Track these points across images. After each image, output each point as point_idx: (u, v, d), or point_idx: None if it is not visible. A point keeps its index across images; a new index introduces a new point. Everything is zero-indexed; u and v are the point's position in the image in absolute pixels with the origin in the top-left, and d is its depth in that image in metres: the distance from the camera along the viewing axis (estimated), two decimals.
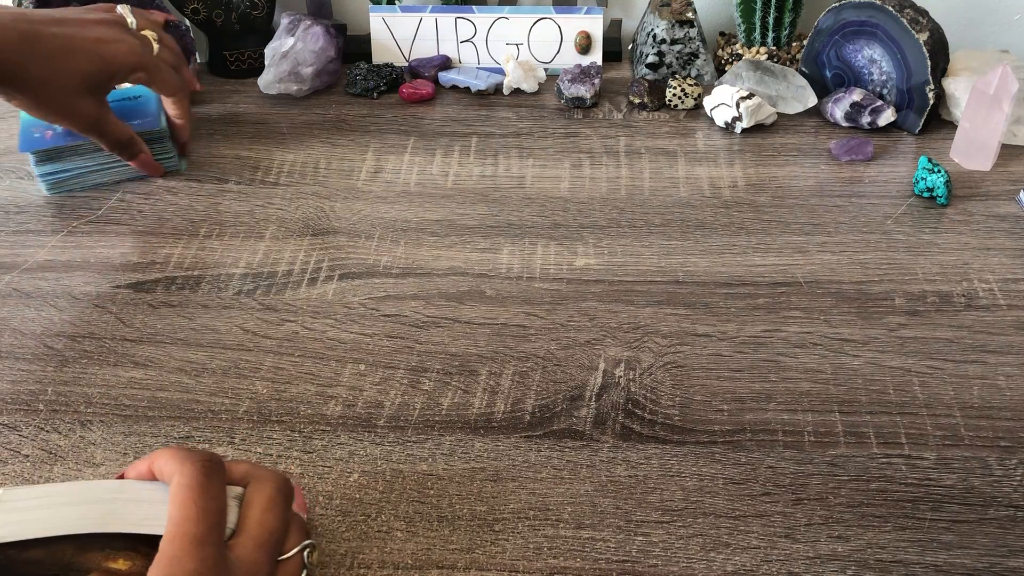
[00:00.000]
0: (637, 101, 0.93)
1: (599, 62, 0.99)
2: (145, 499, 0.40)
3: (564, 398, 0.60)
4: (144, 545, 0.39)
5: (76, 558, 0.38)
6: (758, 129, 0.89)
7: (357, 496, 0.53)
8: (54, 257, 0.74)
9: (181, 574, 0.36)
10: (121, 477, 0.42)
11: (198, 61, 1.02)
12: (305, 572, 0.42)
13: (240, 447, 0.57)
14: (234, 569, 0.38)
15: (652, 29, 0.95)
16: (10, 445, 0.57)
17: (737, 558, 0.49)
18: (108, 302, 0.69)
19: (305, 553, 0.42)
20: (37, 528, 0.37)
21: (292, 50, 0.95)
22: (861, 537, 0.50)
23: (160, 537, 0.38)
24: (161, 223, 0.78)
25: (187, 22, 1.00)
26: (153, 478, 0.41)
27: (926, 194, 0.77)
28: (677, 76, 0.96)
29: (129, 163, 0.79)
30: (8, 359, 0.64)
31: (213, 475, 0.39)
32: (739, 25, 0.98)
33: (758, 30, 0.97)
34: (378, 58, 1.02)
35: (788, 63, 0.97)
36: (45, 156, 0.80)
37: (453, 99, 0.97)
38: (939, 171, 0.76)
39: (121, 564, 0.39)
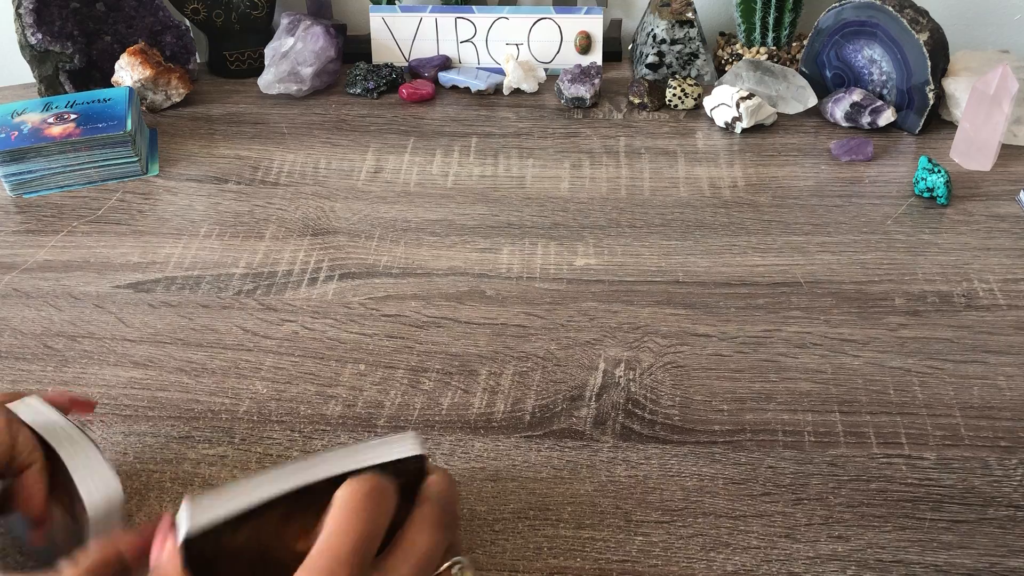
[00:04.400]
0: (637, 101, 0.93)
1: (599, 62, 0.99)
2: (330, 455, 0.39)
3: (564, 398, 0.60)
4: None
5: (280, 531, 0.37)
6: (758, 129, 0.89)
7: None
8: (54, 257, 0.74)
9: None
10: None
11: (198, 61, 1.02)
12: None
13: (240, 447, 0.57)
14: None
15: (652, 29, 0.95)
16: None
17: (737, 558, 0.49)
18: (108, 302, 0.69)
19: (455, 570, 0.39)
20: (240, 503, 0.36)
21: (292, 50, 0.95)
22: (861, 537, 0.50)
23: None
24: (161, 223, 0.78)
25: (187, 22, 1.00)
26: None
27: (926, 194, 0.77)
28: (677, 76, 0.96)
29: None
30: (8, 359, 0.64)
31: (378, 496, 0.37)
32: (739, 25, 0.98)
33: (758, 30, 0.97)
34: (378, 58, 1.02)
35: (788, 63, 0.97)
36: (9, 157, 0.80)
37: (453, 99, 0.97)
38: (939, 171, 0.76)
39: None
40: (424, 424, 0.58)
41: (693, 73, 0.97)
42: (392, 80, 0.97)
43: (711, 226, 0.75)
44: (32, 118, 0.84)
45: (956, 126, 0.85)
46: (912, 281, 0.69)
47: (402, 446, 0.39)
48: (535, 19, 0.98)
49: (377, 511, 0.37)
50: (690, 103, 0.93)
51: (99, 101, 0.86)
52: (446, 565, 0.39)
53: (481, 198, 0.80)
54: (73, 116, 0.84)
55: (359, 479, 0.37)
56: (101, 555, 0.40)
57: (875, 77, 0.88)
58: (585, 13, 0.98)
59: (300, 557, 0.36)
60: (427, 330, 0.66)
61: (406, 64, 1.02)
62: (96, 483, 0.46)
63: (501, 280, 0.70)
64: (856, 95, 0.87)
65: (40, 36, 0.91)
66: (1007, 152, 0.83)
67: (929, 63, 0.82)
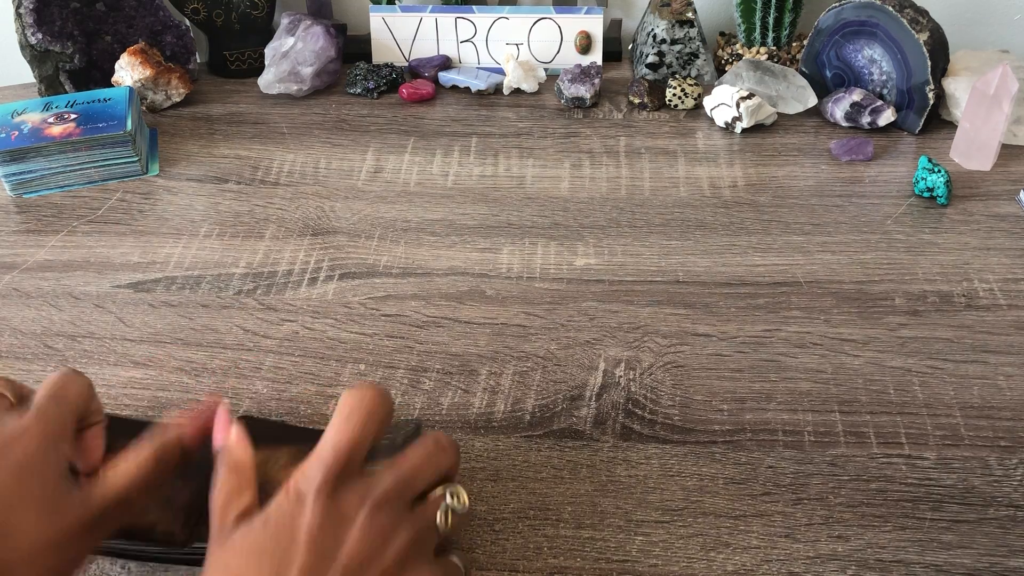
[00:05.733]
0: (637, 101, 0.93)
1: (599, 62, 0.99)
2: None
3: (564, 398, 0.60)
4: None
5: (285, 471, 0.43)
6: (758, 129, 0.89)
7: None
8: (54, 257, 0.74)
9: (318, 478, 0.38)
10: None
11: (198, 61, 1.02)
12: (447, 515, 0.41)
13: None
14: (358, 488, 0.39)
15: (652, 29, 0.95)
16: None
17: (737, 558, 0.49)
18: (108, 302, 0.69)
19: (447, 494, 0.42)
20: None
21: (292, 50, 0.95)
22: (861, 537, 0.50)
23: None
24: (161, 223, 0.78)
25: (187, 22, 1.00)
26: None
27: (926, 194, 0.77)
28: (677, 76, 0.96)
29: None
30: (8, 359, 0.64)
31: (371, 404, 0.40)
32: (739, 25, 0.98)
33: (758, 30, 0.97)
34: (378, 58, 1.02)
35: (788, 63, 0.97)
36: (9, 157, 0.80)
37: (453, 99, 0.97)
38: (939, 171, 0.76)
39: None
40: (424, 424, 0.58)
41: (693, 73, 0.97)
42: (392, 80, 0.97)
43: (711, 226, 0.75)
44: (32, 118, 0.84)
45: (956, 126, 0.85)
46: (912, 281, 0.69)
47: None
48: (535, 19, 0.98)
49: (368, 418, 0.40)
50: (690, 103, 0.93)
51: (99, 101, 0.86)
52: (439, 490, 0.42)
53: (481, 198, 0.80)
54: (73, 116, 0.84)
55: (357, 386, 0.41)
56: (164, 438, 0.44)
57: (875, 77, 0.88)
58: (585, 13, 0.98)
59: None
60: (427, 330, 0.66)
61: (406, 64, 1.02)
62: None
63: (501, 280, 0.70)
64: (856, 95, 0.87)
65: (40, 36, 0.91)
66: (1007, 152, 0.83)
67: (929, 63, 0.82)
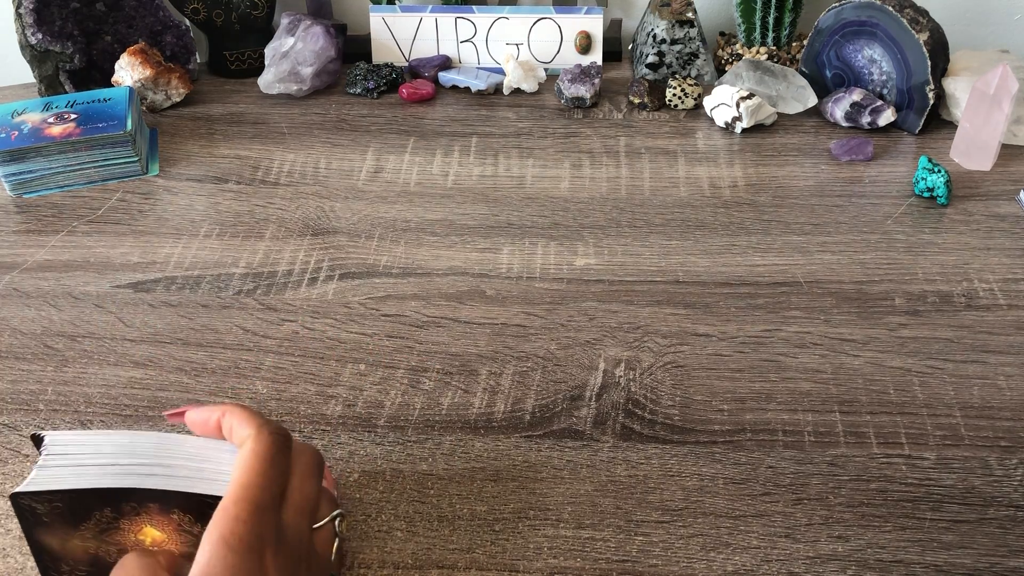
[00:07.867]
0: (637, 101, 0.93)
1: (599, 62, 0.99)
2: (202, 457, 0.43)
3: (564, 398, 0.60)
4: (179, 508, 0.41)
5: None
6: (758, 129, 0.89)
7: (357, 496, 0.53)
8: (54, 257, 0.74)
9: (245, 535, 0.37)
10: (180, 414, 0.45)
11: (198, 61, 1.02)
12: (337, 540, 0.44)
13: None
14: (286, 533, 0.40)
15: (652, 29, 0.95)
16: (10, 445, 0.57)
17: (737, 558, 0.49)
18: (108, 302, 0.69)
19: (336, 522, 0.44)
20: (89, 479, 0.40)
21: (292, 50, 0.95)
22: (861, 537, 0.50)
23: (205, 498, 0.40)
24: (161, 223, 0.78)
25: (187, 22, 1.00)
26: (218, 432, 0.43)
27: (926, 194, 0.77)
28: (677, 76, 0.96)
29: None
30: (8, 359, 0.64)
31: (285, 448, 0.41)
32: (739, 25, 0.98)
33: (758, 30, 0.97)
34: (378, 58, 1.02)
35: (788, 63, 0.97)
36: (9, 157, 0.80)
37: (453, 99, 0.97)
38: (939, 171, 0.76)
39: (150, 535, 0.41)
40: (424, 424, 0.58)
41: (693, 73, 0.97)
42: (392, 80, 0.97)
43: (711, 226, 0.75)
44: (32, 118, 0.84)
45: (956, 126, 0.85)
46: (912, 281, 0.69)
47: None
48: (535, 19, 0.98)
49: (286, 458, 0.41)
50: (690, 103, 0.93)
51: (99, 101, 0.86)
52: (328, 519, 0.43)
53: (481, 198, 0.80)
54: (73, 116, 0.84)
55: (257, 441, 0.40)
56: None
57: (875, 77, 0.88)
58: (585, 13, 0.98)
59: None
60: (427, 330, 0.66)
61: (406, 64, 1.02)
62: None
63: (501, 280, 0.70)
64: (856, 95, 0.87)
65: (40, 36, 0.91)
66: (1007, 152, 0.83)
67: (929, 63, 0.82)
